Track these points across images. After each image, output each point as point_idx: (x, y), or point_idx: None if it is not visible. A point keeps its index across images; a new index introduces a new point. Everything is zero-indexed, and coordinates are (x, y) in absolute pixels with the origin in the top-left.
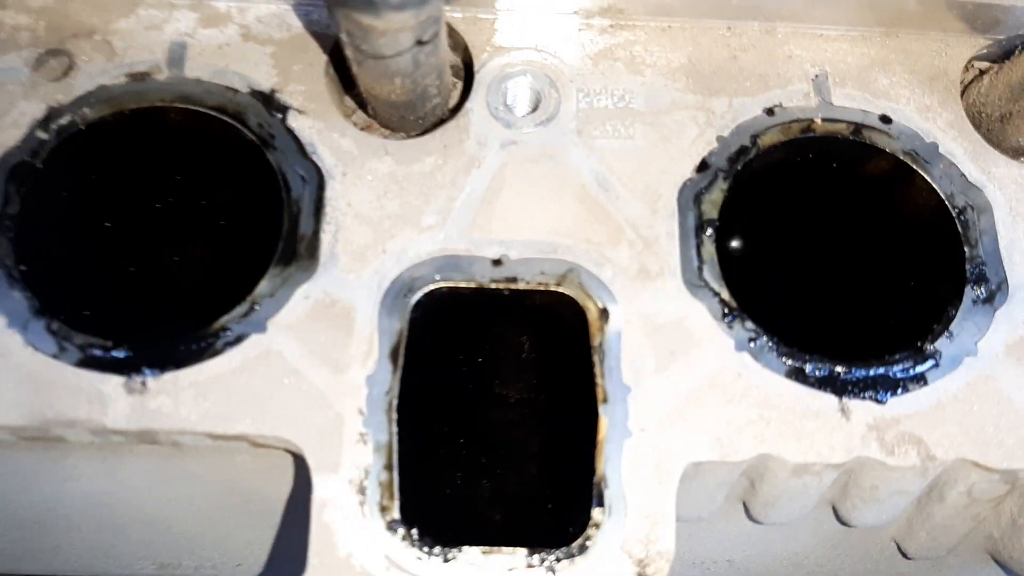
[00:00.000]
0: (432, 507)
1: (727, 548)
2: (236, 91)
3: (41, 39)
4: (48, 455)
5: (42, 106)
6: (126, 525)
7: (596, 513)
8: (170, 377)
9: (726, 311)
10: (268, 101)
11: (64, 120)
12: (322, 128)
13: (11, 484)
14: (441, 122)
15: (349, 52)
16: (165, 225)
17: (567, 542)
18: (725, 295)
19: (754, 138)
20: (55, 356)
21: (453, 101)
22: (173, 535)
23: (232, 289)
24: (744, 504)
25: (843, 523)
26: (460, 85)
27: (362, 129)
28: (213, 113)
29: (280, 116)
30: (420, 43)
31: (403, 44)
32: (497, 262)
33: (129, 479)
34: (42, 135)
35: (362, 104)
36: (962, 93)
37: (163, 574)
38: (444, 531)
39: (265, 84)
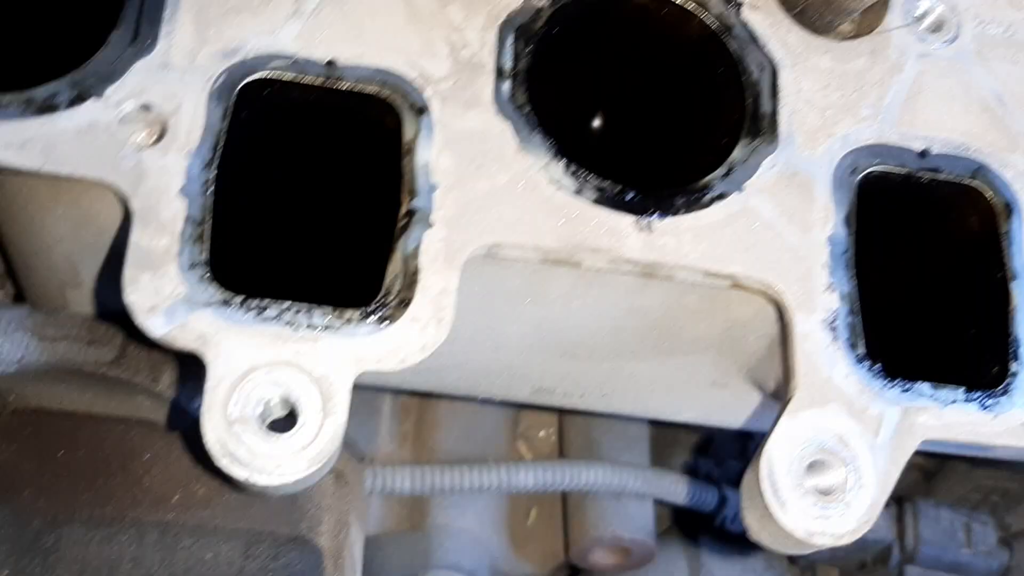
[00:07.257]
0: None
1: None
2: None
3: None
4: None
5: None
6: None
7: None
8: (670, 221)
9: None
10: None
11: None
12: (771, 23)
13: None
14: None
15: None
16: (632, 97)
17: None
18: None
19: None
20: (576, 193)
21: None
22: (563, 365)
23: (703, 155)
24: None
25: None
26: None
27: None
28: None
29: (736, 9)
30: None
31: None
32: (922, 154)
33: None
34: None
35: None
36: None
37: (536, 398)
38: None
39: None
